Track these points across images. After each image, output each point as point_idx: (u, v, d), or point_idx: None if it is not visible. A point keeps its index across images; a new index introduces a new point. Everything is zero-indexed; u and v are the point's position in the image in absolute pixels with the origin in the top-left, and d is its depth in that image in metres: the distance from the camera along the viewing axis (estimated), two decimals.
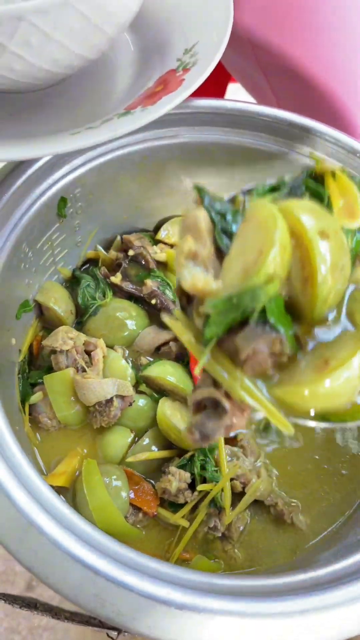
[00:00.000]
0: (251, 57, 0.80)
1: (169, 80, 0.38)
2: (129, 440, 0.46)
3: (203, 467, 0.43)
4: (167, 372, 0.48)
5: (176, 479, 0.43)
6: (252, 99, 0.86)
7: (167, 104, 0.35)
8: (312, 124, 0.47)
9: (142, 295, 0.52)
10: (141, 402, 0.47)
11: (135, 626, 0.28)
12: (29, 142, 0.35)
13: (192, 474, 0.43)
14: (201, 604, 0.29)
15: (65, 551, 0.29)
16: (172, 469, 0.43)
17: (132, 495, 0.43)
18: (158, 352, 0.51)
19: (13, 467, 0.33)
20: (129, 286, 0.53)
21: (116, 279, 0.52)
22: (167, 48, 0.42)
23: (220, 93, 1.08)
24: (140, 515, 0.43)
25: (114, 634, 0.42)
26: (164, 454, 0.45)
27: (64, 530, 0.30)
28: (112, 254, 0.55)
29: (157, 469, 0.45)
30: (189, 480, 0.43)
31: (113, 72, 0.42)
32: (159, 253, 0.54)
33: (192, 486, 0.43)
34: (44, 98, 0.40)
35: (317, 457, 0.47)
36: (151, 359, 0.50)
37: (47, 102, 0.40)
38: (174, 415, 0.46)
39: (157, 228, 0.56)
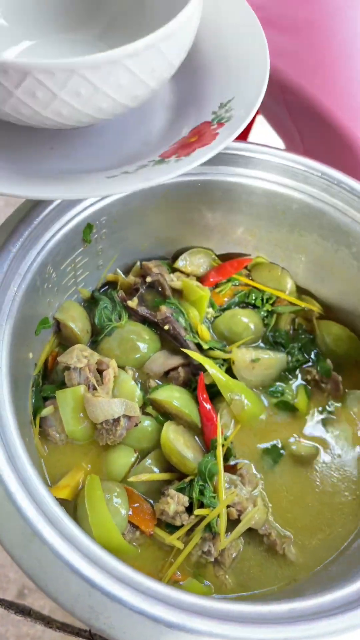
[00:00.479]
0: (279, 98, 0.84)
1: (204, 132, 0.40)
2: (132, 459, 0.48)
3: (201, 492, 0.45)
4: (173, 397, 0.50)
5: (174, 502, 0.44)
6: (275, 135, 0.89)
7: (201, 157, 0.37)
8: (332, 172, 0.49)
9: (156, 320, 0.54)
10: (146, 423, 0.49)
11: None
12: (67, 182, 0.37)
13: (190, 498, 0.45)
14: (189, 624, 0.30)
15: (65, 562, 0.31)
16: (172, 491, 0.45)
17: (130, 513, 0.44)
18: (167, 377, 0.53)
19: (22, 478, 0.35)
20: (144, 310, 0.55)
21: (132, 302, 0.55)
22: (203, 99, 0.44)
23: (247, 128, 1.11)
24: (137, 533, 0.45)
25: None
26: (164, 476, 0.47)
27: (65, 542, 0.32)
28: (131, 278, 0.57)
29: (157, 490, 0.47)
30: (187, 504, 0.45)
31: (151, 116, 0.45)
32: (175, 281, 0.57)
33: (189, 510, 0.45)
34: (84, 135, 0.43)
35: (316, 490, 0.49)
36: (160, 383, 0.52)
37: (86, 139, 0.43)
38: (177, 439, 0.47)
39: (176, 257, 0.59)
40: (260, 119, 0.94)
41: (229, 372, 0.52)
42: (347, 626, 0.31)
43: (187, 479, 0.46)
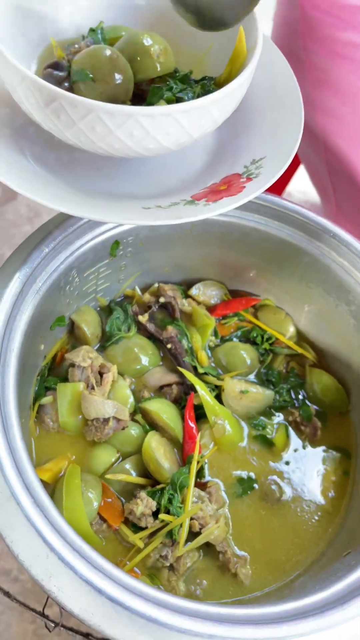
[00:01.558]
0: (321, 155, 0.89)
1: (233, 183, 0.45)
2: (113, 459, 0.52)
3: (170, 501, 0.48)
4: (163, 410, 0.54)
5: (143, 504, 0.48)
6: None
7: (226, 206, 0.41)
8: (343, 234, 0.54)
9: (161, 338, 0.59)
10: (133, 429, 0.53)
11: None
12: (105, 205, 0.42)
13: (159, 504, 0.48)
14: (128, 602, 0.34)
15: (32, 524, 0.35)
16: (142, 494, 0.49)
17: (102, 504, 0.48)
18: (160, 391, 0.57)
19: (12, 448, 0.39)
20: (152, 327, 0.60)
21: (143, 318, 0.60)
22: (238, 152, 0.48)
23: (289, 173, 1.16)
24: (104, 526, 0.48)
25: (51, 625, 0.47)
26: (139, 480, 0.51)
27: (36, 509, 0.36)
28: (147, 296, 0.62)
29: (130, 492, 0.51)
30: (154, 509, 0.48)
31: (191, 156, 0.49)
32: (186, 306, 0.61)
33: (156, 515, 0.48)
34: (128, 163, 0.48)
35: (278, 524, 0.51)
36: (153, 395, 0.56)
37: (129, 167, 0.48)
38: (157, 449, 0.51)
39: (191, 285, 0.64)
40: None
41: (218, 398, 0.56)
42: None
43: (159, 487, 0.50)
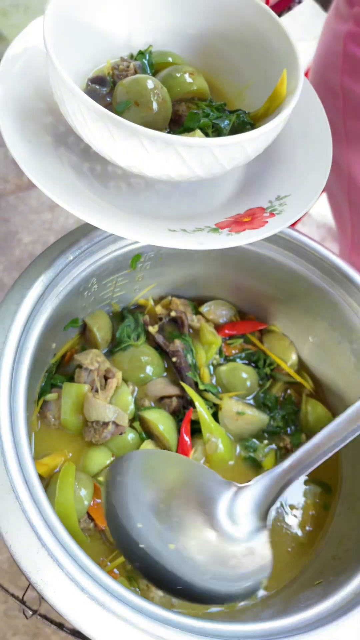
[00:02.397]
0: (344, 189, 0.91)
1: (257, 216, 0.46)
2: (108, 462, 0.54)
3: None
4: (160, 421, 0.56)
5: None
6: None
7: (248, 239, 0.43)
8: (353, 275, 0.56)
9: (167, 350, 0.61)
10: (130, 436, 0.55)
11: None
12: (133, 222, 0.44)
13: None
14: (108, 603, 0.36)
15: (27, 518, 0.37)
16: None
17: (92, 504, 0.50)
18: (160, 402, 0.59)
19: (16, 441, 0.41)
20: (160, 339, 0.62)
21: (153, 329, 0.62)
22: (265, 186, 0.50)
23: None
24: (92, 525, 0.51)
25: (29, 612, 0.49)
26: None
27: (33, 504, 0.38)
28: (159, 308, 0.65)
29: None
30: None
31: (221, 184, 0.51)
32: (195, 322, 0.64)
33: None
34: (159, 182, 0.50)
35: None
36: (153, 405, 0.59)
37: (161, 186, 0.50)
38: None
39: (202, 302, 0.66)
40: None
41: (215, 416, 0.58)
42: None
43: None
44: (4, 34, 1.93)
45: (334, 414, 0.61)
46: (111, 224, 0.43)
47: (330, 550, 0.51)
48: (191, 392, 0.57)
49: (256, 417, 0.59)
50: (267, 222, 0.46)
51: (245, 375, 0.62)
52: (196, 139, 0.42)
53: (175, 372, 0.60)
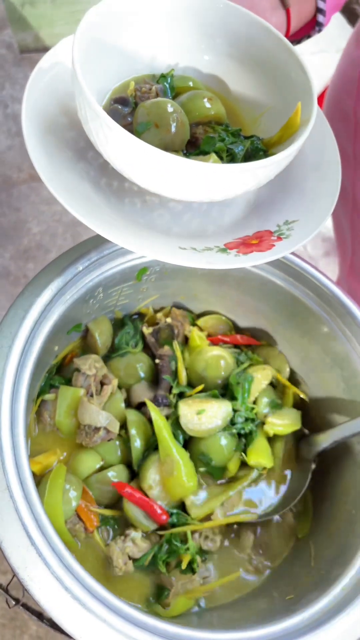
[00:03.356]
0: (348, 213, 0.93)
1: (264, 239, 0.48)
2: (97, 466, 0.56)
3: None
4: (133, 424, 0.57)
5: (123, 555, 0.52)
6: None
7: (254, 261, 0.45)
8: (350, 305, 0.58)
9: (156, 352, 0.63)
10: (118, 442, 0.57)
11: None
12: (146, 238, 0.45)
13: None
14: (88, 604, 0.38)
15: (20, 517, 0.39)
16: (134, 538, 0.53)
17: (81, 504, 0.52)
18: (140, 409, 0.60)
19: (15, 448, 0.43)
20: (152, 341, 0.64)
21: (147, 330, 0.64)
22: (274, 210, 0.51)
23: None
24: (79, 525, 0.53)
25: (12, 602, 0.51)
26: (109, 512, 0.56)
27: (26, 505, 0.40)
28: (159, 315, 0.67)
29: (109, 498, 0.55)
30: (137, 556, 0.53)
31: (230, 205, 0.53)
32: (189, 332, 0.66)
33: None
34: (173, 200, 0.51)
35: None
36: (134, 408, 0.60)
37: (175, 204, 0.51)
38: None
39: (201, 315, 0.68)
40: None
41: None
42: None
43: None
44: (31, 23, 1.93)
45: (317, 430, 0.63)
46: (126, 239, 0.44)
47: (302, 567, 0.53)
48: (150, 406, 0.57)
49: (219, 410, 0.57)
50: (274, 245, 0.47)
51: (224, 363, 0.61)
52: (211, 165, 0.43)
53: (157, 374, 0.62)
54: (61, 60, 0.50)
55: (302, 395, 0.64)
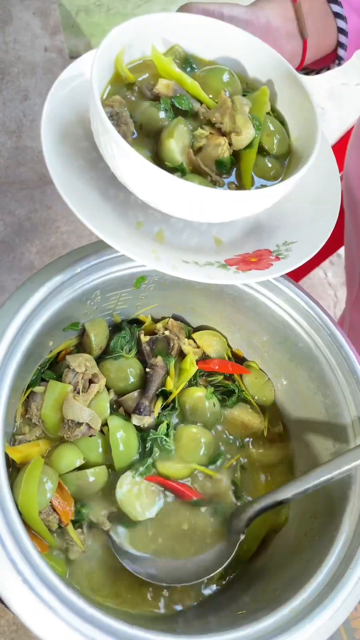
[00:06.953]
0: (355, 232, 0.93)
1: (263, 258, 0.49)
2: (77, 463, 0.57)
3: None
4: (118, 429, 0.59)
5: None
6: None
7: (252, 278, 0.46)
8: (339, 336, 0.59)
9: (148, 361, 0.65)
10: (100, 439, 0.59)
11: None
12: (150, 249, 0.47)
13: None
14: (59, 611, 0.40)
15: None
16: None
17: (56, 500, 0.55)
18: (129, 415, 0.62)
19: None
20: (147, 349, 0.65)
21: (144, 338, 0.65)
22: (274, 231, 0.53)
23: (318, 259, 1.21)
24: (52, 517, 0.54)
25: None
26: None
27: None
28: (158, 325, 0.68)
29: (87, 496, 0.58)
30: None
31: (232, 223, 0.54)
32: (186, 346, 0.67)
33: None
34: (173, 217, 0.53)
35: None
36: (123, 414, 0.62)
37: (174, 221, 0.53)
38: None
39: (197, 329, 0.69)
40: None
41: None
42: None
43: None
44: (84, 30, 1.99)
45: (295, 456, 0.64)
46: (127, 247, 0.46)
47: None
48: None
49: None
50: (272, 264, 0.49)
51: (208, 404, 0.65)
52: (215, 190, 0.45)
53: (146, 383, 0.64)
54: (84, 72, 0.53)
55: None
